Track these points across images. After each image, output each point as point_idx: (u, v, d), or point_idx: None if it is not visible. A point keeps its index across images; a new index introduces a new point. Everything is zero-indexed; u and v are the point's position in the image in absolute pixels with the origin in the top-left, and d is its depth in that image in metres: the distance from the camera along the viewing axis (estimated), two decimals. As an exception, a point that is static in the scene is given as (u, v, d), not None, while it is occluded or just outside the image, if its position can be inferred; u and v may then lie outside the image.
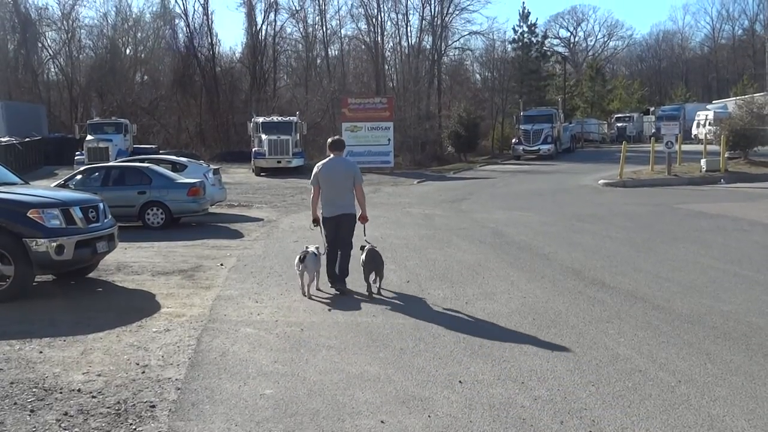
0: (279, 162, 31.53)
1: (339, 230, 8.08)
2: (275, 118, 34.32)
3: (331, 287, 8.05)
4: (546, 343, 5.87)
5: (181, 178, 15.63)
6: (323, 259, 8.08)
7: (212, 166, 19.50)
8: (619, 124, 57.93)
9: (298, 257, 7.92)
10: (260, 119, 33.81)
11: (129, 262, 10.13)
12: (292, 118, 34.18)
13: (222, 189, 18.17)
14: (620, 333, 6.14)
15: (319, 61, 54.83)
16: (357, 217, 8.27)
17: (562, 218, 14.54)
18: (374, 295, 7.75)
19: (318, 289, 7.99)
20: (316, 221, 8.29)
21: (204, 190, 15.30)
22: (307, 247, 8.05)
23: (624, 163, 23.37)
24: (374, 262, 7.82)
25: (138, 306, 7.48)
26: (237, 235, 13.48)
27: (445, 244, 11.46)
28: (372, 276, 7.84)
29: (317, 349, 5.84)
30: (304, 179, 28.05)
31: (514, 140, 42.15)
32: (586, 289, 7.89)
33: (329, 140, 8.51)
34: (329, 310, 7.28)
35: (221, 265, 9.93)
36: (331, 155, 8.23)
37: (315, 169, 8.20)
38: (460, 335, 6.16)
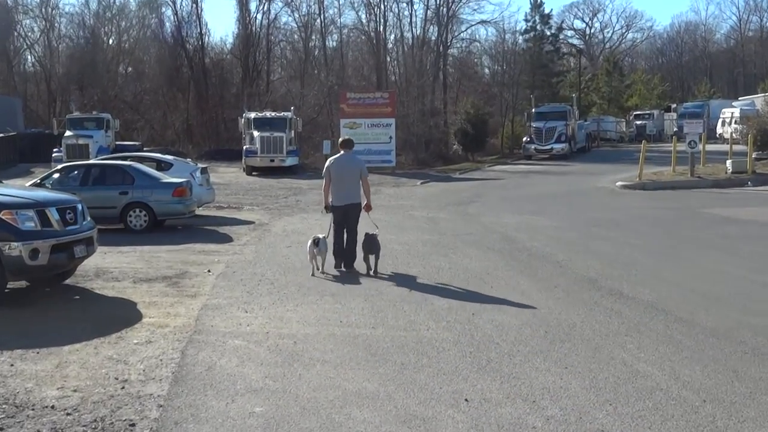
0: (272, 161, 31.58)
1: (346, 218, 9.86)
2: (268, 114, 34.36)
3: (335, 267, 9.76)
4: (559, 359, 5.84)
5: (167, 178, 15.61)
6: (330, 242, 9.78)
7: (200, 165, 19.47)
8: (638, 122, 58.08)
9: (311, 241, 9.49)
10: (252, 115, 33.85)
11: (109, 267, 10.11)
12: (286, 113, 34.22)
13: (210, 189, 18.18)
14: (640, 348, 6.11)
15: (316, 52, 54.91)
16: (362, 206, 10.03)
17: (576, 223, 14.54)
18: (370, 273, 9.40)
19: (322, 271, 9.47)
20: (327, 208, 10.06)
21: (190, 190, 15.29)
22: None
23: (643, 164, 23.39)
24: (370, 245, 9.54)
25: (118, 315, 7.45)
26: (226, 239, 13.47)
27: (451, 251, 11.45)
28: (372, 259, 9.56)
29: (311, 364, 5.81)
30: (299, 179, 28.36)
31: (525, 139, 42.24)
32: (602, 300, 7.87)
33: (340, 139, 10.82)
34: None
35: (208, 271, 9.92)
36: (342, 152, 10.07)
37: (327, 163, 10.10)
38: (466, 349, 6.14)
